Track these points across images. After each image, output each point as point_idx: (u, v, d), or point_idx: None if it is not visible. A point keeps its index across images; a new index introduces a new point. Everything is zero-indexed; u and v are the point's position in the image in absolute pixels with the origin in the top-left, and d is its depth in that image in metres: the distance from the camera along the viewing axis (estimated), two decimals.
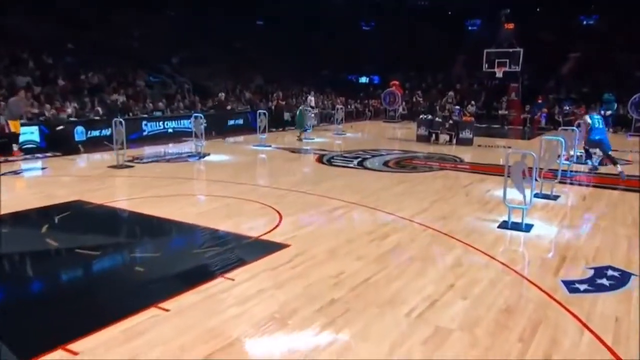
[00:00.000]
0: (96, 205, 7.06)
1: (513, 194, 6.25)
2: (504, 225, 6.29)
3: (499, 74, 22.13)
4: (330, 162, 11.46)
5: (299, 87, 26.34)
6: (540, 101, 21.45)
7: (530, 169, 6.17)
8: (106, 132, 13.31)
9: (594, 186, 9.13)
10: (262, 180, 9.49)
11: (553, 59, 25.38)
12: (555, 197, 7.91)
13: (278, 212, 6.78)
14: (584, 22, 27.81)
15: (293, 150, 13.57)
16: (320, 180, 9.21)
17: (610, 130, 19.18)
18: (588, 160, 11.05)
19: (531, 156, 6.18)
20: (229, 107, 19.30)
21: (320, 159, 11.92)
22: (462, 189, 8.63)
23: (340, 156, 12.40)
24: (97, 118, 14.21)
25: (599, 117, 10.33)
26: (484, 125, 21.02)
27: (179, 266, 4.90)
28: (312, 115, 17.77)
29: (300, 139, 15.55)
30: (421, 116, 16.36)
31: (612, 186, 8.98)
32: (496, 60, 21.79)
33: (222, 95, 18.82)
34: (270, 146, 14.10)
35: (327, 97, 24.64)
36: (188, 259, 5.10)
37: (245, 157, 12.31)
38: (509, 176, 6.16)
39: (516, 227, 6.18)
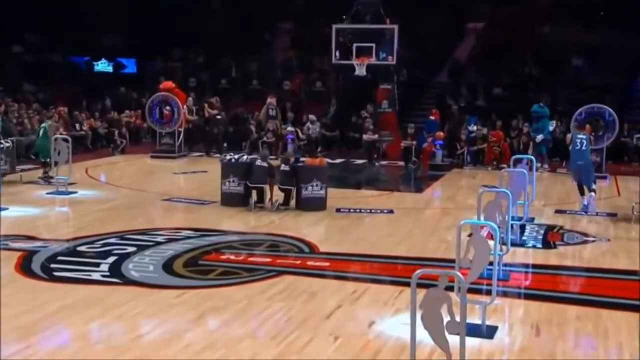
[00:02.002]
0: None
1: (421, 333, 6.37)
2: None
3: (361, 70, 23.43)
4: (47, 272, 10.77)
5: None
6: (432, 117, 23.04)
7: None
8: None
9: (544, 297, 9.86)
10: None
11: (447, 40, 27.96)
12: (491, 333, 8.27)
13: None
14: None
15: None
16: (30, 328, 8.33)
17: (546, 167, 21.58)
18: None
19: (455, 276, 6.32)
20: None
21: (24, 264, 11.10)
22: (323, 323, 8.59)
23: (69, 251, 11.84)
24: None
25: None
26: (338, 162, 21.94)
27: None
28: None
29: (47, 177, 18.18)
30: (229, 156, 16.27)
31: (572, 297, 9.91)
32: (354, 45, 23.07)
33: None
34: None
35: (29, 108, 23.63)
36: None
37: None
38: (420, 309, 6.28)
39: None
